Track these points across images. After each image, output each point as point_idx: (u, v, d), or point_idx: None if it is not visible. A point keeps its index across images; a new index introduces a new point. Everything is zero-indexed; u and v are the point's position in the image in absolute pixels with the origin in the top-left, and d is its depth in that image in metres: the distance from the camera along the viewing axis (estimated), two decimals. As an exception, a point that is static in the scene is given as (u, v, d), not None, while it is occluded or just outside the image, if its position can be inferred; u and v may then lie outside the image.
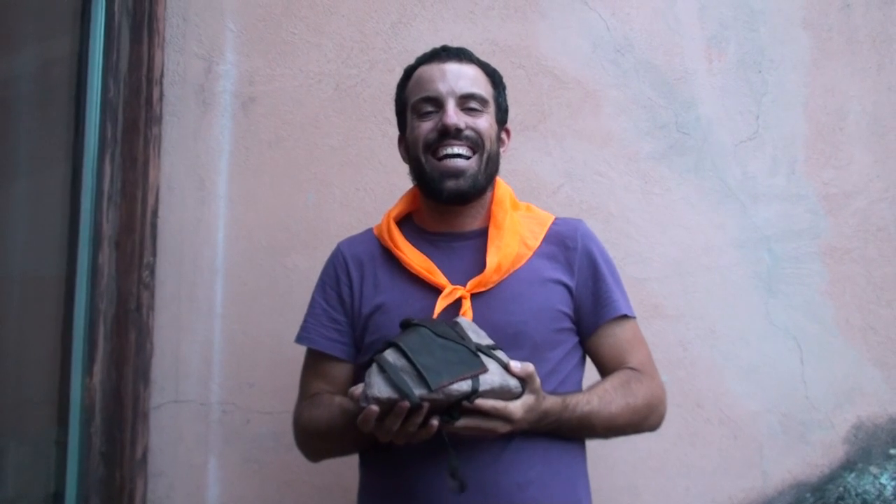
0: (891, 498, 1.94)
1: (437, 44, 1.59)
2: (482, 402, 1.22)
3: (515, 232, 1.46)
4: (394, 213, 1.54)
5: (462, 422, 1.23)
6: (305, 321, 1.53)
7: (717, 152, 2.10)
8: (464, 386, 1.20)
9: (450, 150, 1.43)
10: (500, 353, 1.28)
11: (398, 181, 1.94)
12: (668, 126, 2.10)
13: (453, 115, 1.43)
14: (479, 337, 1.30)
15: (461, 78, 1.47)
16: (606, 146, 2.09)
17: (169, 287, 2.00)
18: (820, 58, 2.16)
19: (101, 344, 1.89)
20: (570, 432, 1.37)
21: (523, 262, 1.45)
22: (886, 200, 2.10)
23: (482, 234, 1.47)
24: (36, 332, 1.99)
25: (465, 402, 1.21)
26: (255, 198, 2.04)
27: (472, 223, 1.50)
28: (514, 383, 1.25)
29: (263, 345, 1.98)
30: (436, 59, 1.50)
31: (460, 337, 1.27)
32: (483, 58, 1.57)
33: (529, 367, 1.27)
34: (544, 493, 1.34)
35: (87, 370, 1.87)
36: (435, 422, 1.22)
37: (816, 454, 2.00)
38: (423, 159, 1.46)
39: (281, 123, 2.06)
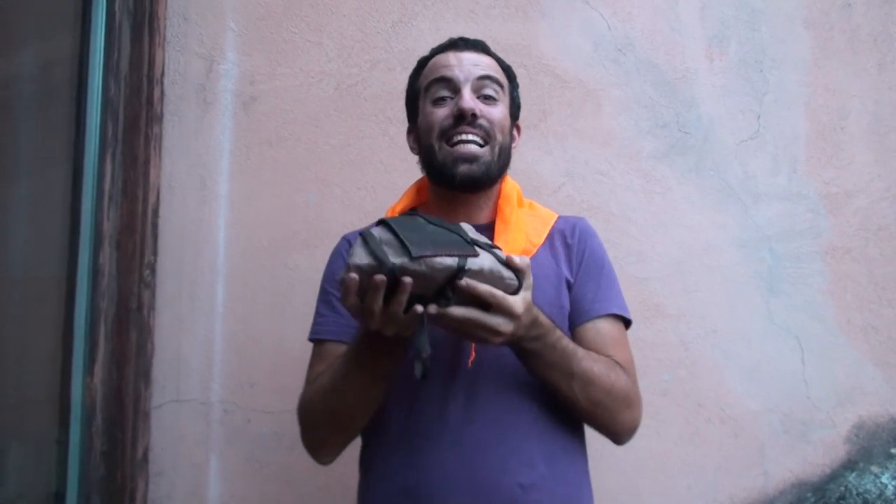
0: (892, 497, 1.94)
1: (439, 43, 1.58)
2: (478, 285, 1.16)
3: (521, 228, 1.46)
4: (399, 208, 1.53)
5: (458, 310, 1.16)
6: (319, 314, 1.50)
7: (718, 151, 2.10)
8: (447, 261, 1.14)
9: (463, 137, 1.42)
10: (498, 252, 1.23)
11: (399, 180, 1.95)
12: (669, 125, 2.10)
13: (469, 100, 1.42)
14: (479, 238, 1.25)
15: (478, 64, 1.47)
16: (607, 145, 2.09)
17: (170, 286, 2.00)
18: (821, 57, 2.16)
19: (102, 343, 1.89)
20: (548, 368, 1.30)
21: (528, 257, 1.44)
22: (888, 200, 2.10)
23: (488, 229, 1.46)
24: (37, 331, 1.99)
25: (457, 282, 1.14)
26: (256, 197, 2.04)
27: (478, 217, 1.49)
28: (507, 273, 1.19)
29: (264, 344, 1.98)
30: (452, 48, 1.50)
31: (456, 230, 1.22)
32: (484, 56, 1.57)
33: (526, 259, 1.23)
34: (547, 495, 1.33)
35: (88, 370, 1.87)
36: (419, 308, 1.14)
37: (818, 453, 2.00)
38: (436, 146, 1.44)
39: (282, 123, 2.06)
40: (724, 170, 2.10)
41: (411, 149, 1.57)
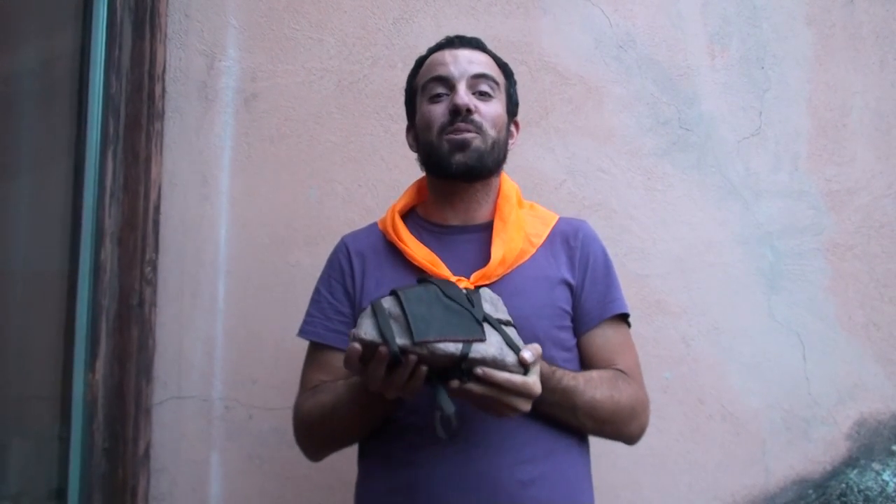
0: (893, 494, 1.94)
1: (439, 40, 1.58)
2: (494, 374, 1.17)
3: (520, 228, 1.46)
4: (398, 207, 1.54)
5: (477, 387, 1.18)
6: (309, 314, 1.52)
7: (719, 148, 2.10)
8: (450, 347, 1.15)
9: (458, 133, 1.43)
10: (510, 330, 1.23)
11: (400, 177, 1.95)
12: (670, 122, 2.10)
13: (464, 95, 1.43)
14: (495, 310, 1.26)
15: (473, 62, 1.48)
16: (609, 142, 2.09)
17: (171, 283, 2.00)
18: (823, 54, 2.15)
19: (104, 340, 1.89)
20: (549, 407, 1.32)
21: (527, 257, 1.45)
22: (889, 197, 2.10)
23: (487, 228, 1.47)
24: (38, 328, 1.99)
25: (476, 371, 1.16)
26: (258, 194, 2.04)
27: (477, 216, 1.49)
28: (511, 360, 1.19)
29: (266, 341, 1.98)
30: (448, 46, 1.51)
31: (470, 303, 1.22)
32: (485, 54, 1.57)
33: (537, 348, 1.24)
34: (547, 491, 1.34)
35: (90, 366, 1.87)
36: (424, 368, 1.17)
37: (819, 451, 2.00)
38: (434, 141, 1.45)
39: (283, 119, 2.06)
40: (726, 167, 2.10)
41: (410, 147, 1.57)
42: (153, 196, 1.98)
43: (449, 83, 1.46)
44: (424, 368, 1.17)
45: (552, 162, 2.07)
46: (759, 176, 2.10)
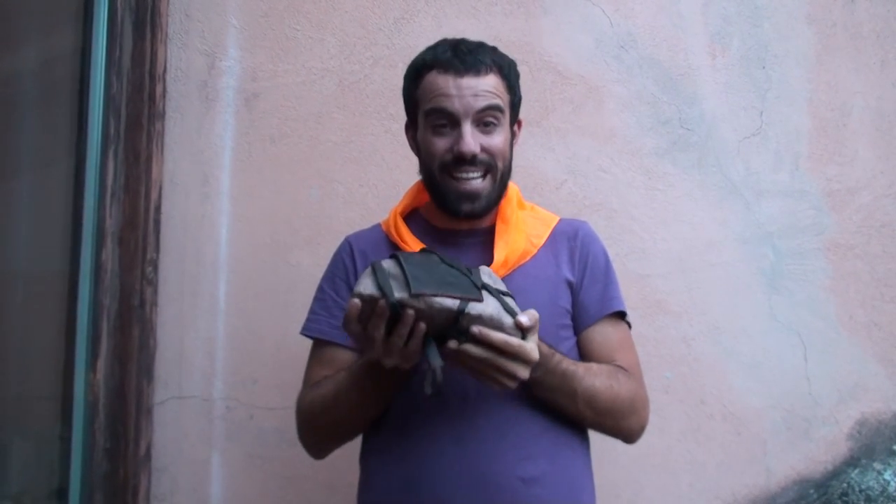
0: (894, 494, 1.94)
1: (441, 45, 1.51)
2: (491, 333, 1.17)
3: (521, 229, 1.47)
4: (400, 209, 1.54)
5: (475, 349, 1.18)
6: (312, 311, 1.52)
7: (720, 148, 2.10)
8: (447, 302, 1.16)
9: (465, 175, 1.41)
10: (508, 300, 1.23)
11: (401, 177, 1.95)
12: (671, 122, 2.10)
13: (470, 142, 1.39)
14: (494, 283, 1.26)
15: (478, 95, 1.41)
16: (609, 142, 2.09)
17: (172, 283, 2.00)
18: (824, 53, 2.15)
19: (105, 340, 1.89)
20: (549, 391, 1.32)
21: (528, 258, 1.45)
22: (890, 196, 2.10)
23: (489, 231, 1.47)
24: (39, 328, 1.99)
25: (473, 330, 1.16)
26: (258, 194, 2.04)
27: (479, 220, 1.49)
28: (508, 321, 1.19)
29: (267, 341, 1.98)
30: (452, 70, 1.41)
31: (468, 272, 1.23)
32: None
33: (535, 315, 1.23)
34: (549, 490, 1.34)
35: (91, 366, 1.87)
36: (423, 325, 1.16)
37: (820, 450, 2.00)
38: (437, 176, 1.43)
39: (284, 119, 2.06)
40: (727, 166, 2.09)
41: (410, 145, 1.56)
42: (154, 196, 1.98)
43: (453, 119, 1.41)
44: (423, 326, 1.17)
45: (553, 162, 2.07)
46: (759, 175, 2.10)
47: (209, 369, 1.98)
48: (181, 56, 2.07)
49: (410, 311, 1.15)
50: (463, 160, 1.40)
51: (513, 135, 1.52)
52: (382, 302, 1.15)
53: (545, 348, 1.29)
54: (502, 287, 1.27)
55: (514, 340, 1.19)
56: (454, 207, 1.43)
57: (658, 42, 2.13)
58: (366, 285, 1.17)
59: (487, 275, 1.28)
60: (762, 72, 2.14)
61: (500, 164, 1.44)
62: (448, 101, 1.41)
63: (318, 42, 2.09)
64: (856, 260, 2.07)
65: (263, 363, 1.98)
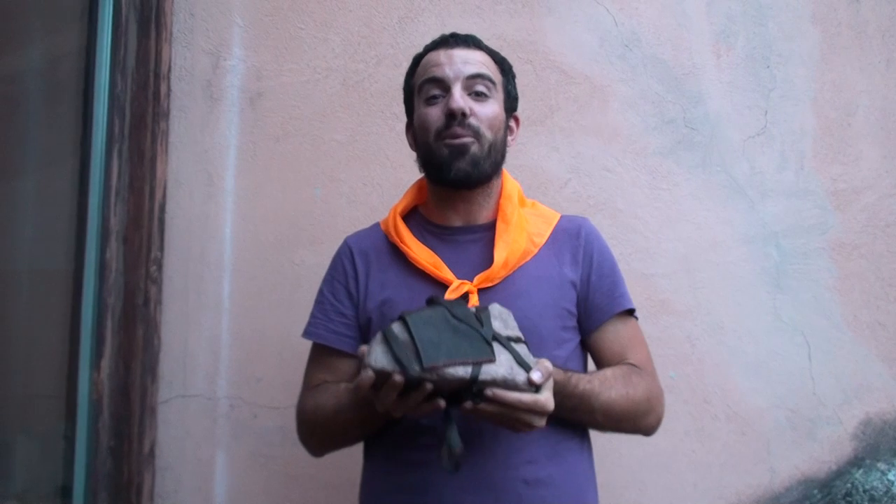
0: (899, 494, 1.94)
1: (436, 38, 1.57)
2: (505, 395, 1.18)
3: (523, 228, 1.46)
4: (400, 208, 1.53)
5: (488, 406, 1.19)
6: (313, 315, 1.52)
7: (724, 148, 2.10)
8: (460, 371, 1.16)
9: (456, 136, 1.41)
10: (520, 347, 1.23)
11: (405, 176, 1.95)
12: (675, 121, 2.10)
13: (459, 99, 1.41)
14: (505, 326, 1.25)
15: (468, 62, 1.45)
16: (614, 141, 2.08)
17: (176, 282, 2.00)
18: (829, 53, 2.15)
19: (109, 339, 1.89)
20: (568, 412, 1.33)
21: (530, 257, 1.44)
22: (895, 196, 2.10)
23: (489, 229, 1.47)
24: (44, 326, 1.99)
25: (487, 393, 1.17)
26: (263, 193, 2.04)
27: (479, 217, 1.49)
28: (521, 379, 1.19)
29: (271, 340, 1.98)
30: (444, 45, 1.49)
31: (479, 323, 1.23)
32: (490, 53, 1.56)
33: (548, 366, 1.23)
34: (552, 492, 1.34)
35: (95, 365, 1.88)
36: (442, 403, 1.18)
37: (824, 450, 2.00)
38: (433, 146, 1.44)
39: (288, 118, 2.06)
40: (731, 166, 2.09)
41: (410, 146, 1.56)
42: (158, 195, 1.98)
43: (444, 85, 1.44)
44: (435, 391, 1.17)
45: (557, 161, 2.07)
46: (764, 175, 2.09)
47: (213, 368, 1.98)
48: (185, 55, 2.07)
49: (424, 384, 1.16)
50: (453, 119, 1.40)
51: (508, 128, 1.52)
52: (398, 376, 1.15)
53: (560, 376, 1.29)
54: (514, 331, 1.26)
55: (528, 397, 1.19)
56: (446, 168, 1.42)
57: (662, 41, 2.13)
58: (377, 357, 1.17)
59: (498, 316, 1.27)
60: (767, 71, 2.13)
61: (489, 135, 1.43)
62: (439, 69, 1.45)
63: (323, 41, 2.09)
64: (860, 260, 2.07)
65: (267, 362, 1.98)
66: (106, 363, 1.88)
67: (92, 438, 1.86)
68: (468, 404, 1.18)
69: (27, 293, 1.98)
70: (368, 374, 1.17)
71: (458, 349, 1.17)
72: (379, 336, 1.20)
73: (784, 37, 2.15)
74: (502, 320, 1.26)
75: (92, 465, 1.86)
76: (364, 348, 1.21)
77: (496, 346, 1.20)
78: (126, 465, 1.87)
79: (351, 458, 1.53)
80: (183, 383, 1.97)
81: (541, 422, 1.22)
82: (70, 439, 1.87)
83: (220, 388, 1.98)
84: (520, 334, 1.26)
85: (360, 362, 1.19)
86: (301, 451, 1.53)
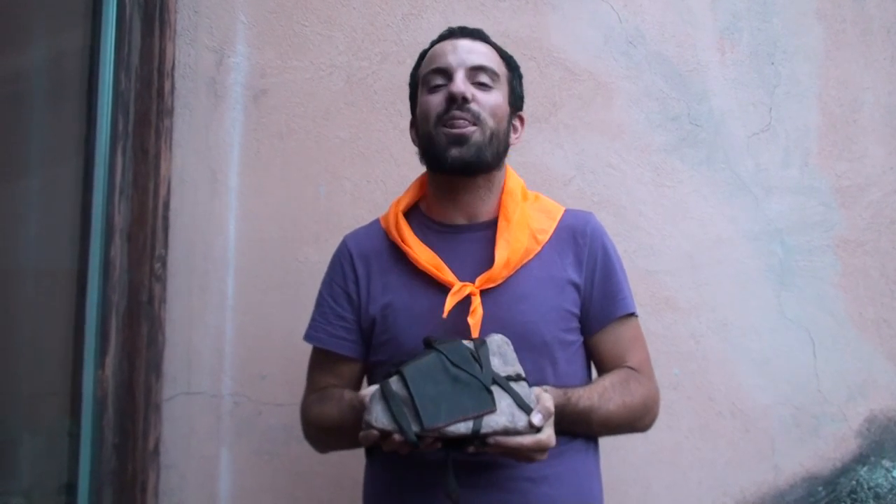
0: (904, 491, 1.94)
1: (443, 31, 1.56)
2: (507, 441, 1.20)
3: (525, 225, 1.43)
4: (402, 205, 1.51)
5: (491, 450, 1.21)
6: (313, 318, 1.52)
7: (729, 144, 2.09)
8: (461, 428, 1.17)
9: (455, 122, 1.39)
10: (520, 387, 1.23)
11: (409, 173, 1.94)
12: (680, 118, 2.10)
13: (460, 84, 1.39)
14: (504, 362, 1.25)
15: (473, 52, 1.45)
16: (618, 138, 2.08)
17: (181, 279, 2.00)
18: (833, 49, 2.14)
19: (114, 336, 1.90)
20: (567, 425, 1.34)
21: (532, 255, 1.42)
22: (900, 193, 2.10)
23: (491, 226, 1.44)
24: (48, 324, 2.00)
25: (489, 441, 1.18)
26: (267, 190, 2.04)
27: (480, 213, 1.46)
28: (522, 424, 1.20)
29: (275, 337, 1.98)
30: (449, 37, 1.49)
31: (478, 363, 1.22)
32: (494, 50, 1.55)
33: (549, 409, 1.24)
34: (557, 489, 1.34)
35: (100, 362, 1.88)
36: (439, 445, 1.21)
37: (829, 447, 2.00)
38: (432, 132, 1.42)
39: (292, 116, 2.06)
40: (736, 163, 2.09)
41: (413, 142, 1.54)
42: (162, 192, 1.98)
43: (447, 73, 1.43)
44: (439, 444, 1.20)
45: (561, 158, 2.07)
46: (769, 172, 2.09)
47: (217, 365, 1.98)
48: (190, 52, 2.07)
49: (429, 440, 1.18)
50: (454, 102, 1.39)
51: (512, 124, 1.50)
52: (397, 436, 1.17)
53: (560, 397, 1.30)
54: (513, 365, 1.26)
55: (529, 440, 1.21)
56: (443, 155, 1.40)
57: (667, 38, 2.12)
58: (377, 416, 1.19)
59: (496, 351, 1.26)
60: (771, 68, 2.13)
61: (491, 122, 1.41)
62: (443, 59, 1.45)
63: (327, 38, 2.09)
64: (865, 256, 2.07)
65: (271, 359, 1.98)
66: (110, 360, 1.88)
67: (96, 435, 1.86)
68: (470, 449, 1.20)
69: (32, 291, 1.98)
70: (371, 433, 1.19)
71: (459, 404, 1.18)
72: (378, 392, 1.20)
73: (789, 33, 2.14)
74: (501, 355, 1.26)
75: (96, 462, 1.86)
76: (366, 394, 1.24)
77: (496, 391, 1.21)
78: (130, 462, 1.87)
79: (355, 456, 1.53)
80: (187, 381, 1.98)
81: (542, 456, 1.24)
82: (75, 436, 1.88)
83: (224, 386, 1.98)
84: (519, 370, 1.26)
85: (362, 419, 1.22)
86: (305, 449, 1.53)
